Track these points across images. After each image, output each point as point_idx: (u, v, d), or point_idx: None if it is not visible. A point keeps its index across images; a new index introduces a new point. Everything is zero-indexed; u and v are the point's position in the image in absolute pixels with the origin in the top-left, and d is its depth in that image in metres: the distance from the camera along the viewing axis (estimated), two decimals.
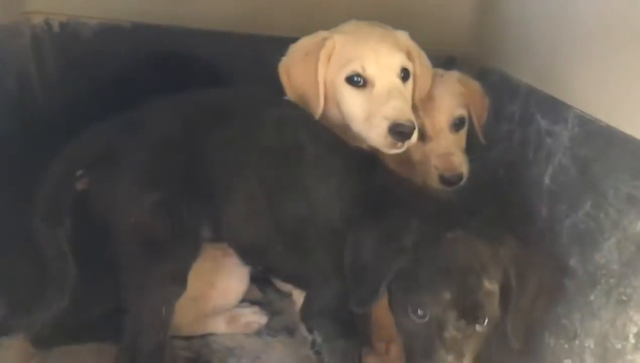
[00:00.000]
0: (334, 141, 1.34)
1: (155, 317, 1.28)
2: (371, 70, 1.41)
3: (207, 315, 1.63)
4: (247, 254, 1.45)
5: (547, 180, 1.33)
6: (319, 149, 1.31)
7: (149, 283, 1.27)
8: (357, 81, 1.42)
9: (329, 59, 1.45)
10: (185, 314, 1.53)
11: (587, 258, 1.16)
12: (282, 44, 1.55)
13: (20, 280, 1.41)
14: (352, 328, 1.32)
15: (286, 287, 1.83)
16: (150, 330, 1.28)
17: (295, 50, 1.50)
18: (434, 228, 1.11)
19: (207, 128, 1.31)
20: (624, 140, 1.10)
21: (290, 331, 1.71)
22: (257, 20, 1.92)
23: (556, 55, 1.40)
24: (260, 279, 1.87)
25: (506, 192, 1.50)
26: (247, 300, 1.76)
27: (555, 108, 1.34)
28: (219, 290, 1.61)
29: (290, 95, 1.48)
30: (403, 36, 1.52)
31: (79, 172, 1.29)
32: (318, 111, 1.45)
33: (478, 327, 1.07)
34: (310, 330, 1.34)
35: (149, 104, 1.36)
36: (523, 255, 1.14)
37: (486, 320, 1.08)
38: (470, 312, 1.06)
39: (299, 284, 1.43)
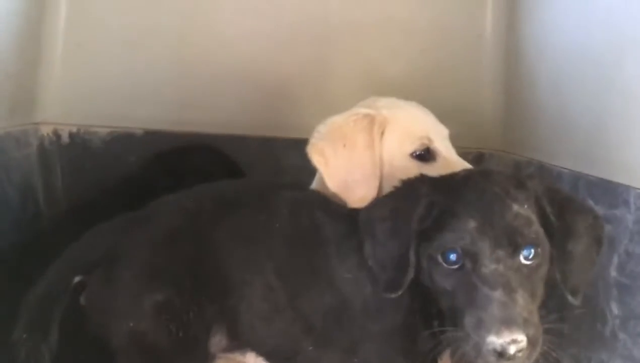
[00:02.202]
0: (353, 217, 1.19)
1: None
2: (437, 142, 1.32)
3: None
4: (273, 359, 1.25)
5: (613, 272, 1.17)
6: (339, 227, 1.18)
7: None
8: (423, 155, 1.31)
9: (382, 136, 1.31)
10: None
11: None
12: (296, 146, 1.46)
13: None
14: None
15: None
16: None
17: (332, 131, 1.32)
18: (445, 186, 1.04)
19: (213, 220, 1.19)
20: None
21: None
22: (270, 123, 1.88)
23: (603, 133, 1.29)
24: None
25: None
26: None
27: (610, 191, 1.21)
28: None
29: (329, 180, 1.29)
30: None
31: (77, 279, 1.15)
32: (372, 194, 1.26)
33: (524, 260, 0.94)
34: None
35: (154, 202, 1.27)
36: (558, 191, 1.04)
37: (532, 252, 0.94)
38: (504, 239, 0.93)
39: None
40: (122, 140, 1.83)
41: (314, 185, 1.43)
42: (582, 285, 1.01)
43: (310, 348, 1.16)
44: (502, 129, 1.84)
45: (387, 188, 1.27)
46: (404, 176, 1.19)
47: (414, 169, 1.27)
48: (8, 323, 1.17)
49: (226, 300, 1.16)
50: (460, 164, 1.30)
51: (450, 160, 1.30)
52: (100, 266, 1.15)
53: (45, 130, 1.79)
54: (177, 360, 1.11)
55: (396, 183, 1.13)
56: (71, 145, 1.82)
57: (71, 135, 1.82)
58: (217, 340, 1.19)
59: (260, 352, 1.25)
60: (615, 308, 1.15)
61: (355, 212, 1.23)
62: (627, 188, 1.16)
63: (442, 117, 1.51)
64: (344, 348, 1.14)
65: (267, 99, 1.89)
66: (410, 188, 1.08)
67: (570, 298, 1.00)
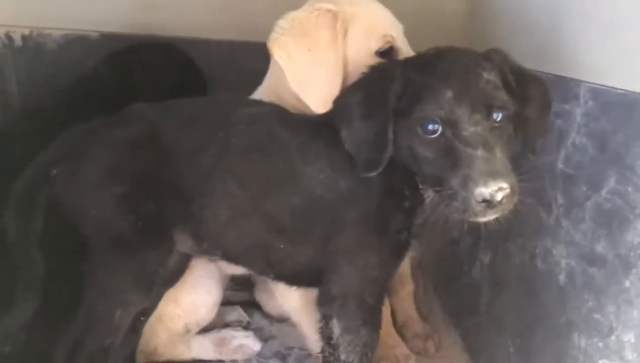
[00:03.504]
0: (309, 121, 1.26)
1: (106, 317, 1.18)
2: (399, 40, 1.33)
3: (183, 336, 1.47)
4: (246, 261, 1.33)
5: (560, 164, 1.21)
6: (299, 134, 1.22)
7: (108, 282, 1.18)
8: (386, 52, 1.31)
9: (345, 33, 1.30)
10: (156, 335, 1.40)
11: (616, 240, 1.03)
12: (259, 50, 1.43)
13: None
14: (377, 315, 1.22)
15: (275, 310, 1.68)
16: (100, 329, 1.18)
17: (294, 26, 1.30)
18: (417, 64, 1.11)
19: (175, 132, 1.24)
20: None
21: (282, 357, 1.57)
22: (233, 27, 1.84)
23: (558, 32, 1.29)
24: (247, 304, 1.74)
25: None
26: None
27: (562, 86, 1.23)
28: (185, 307, 1.46)
29: (290, 77, 1.29)
30: None
31: (54, 172, 1.21)
32: (334, 93, 1.23)
33: (494, 122, 1.04)
34: (328, 318, 1.22)
35: (124, 110, 1.30)
36: (515, 63, 1.14)
37: (500, 114, 1.04)
38: (480, 103, 1.02)
39: (314, 280, 1.26)
40: (78, 43, 1.78)
41: (264, 84, 1.42)
42: (537, 144, 1.14)
43: (282, 246, 1.22)
44: (464, 30, 1.83)
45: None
46: None
47: None
48: None
49: (188, 207, 1.21)
50: None
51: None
52: (67, 160, 1.21)
53: None
54: (140, 246, 1.18)
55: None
56: (24, 48, 1.76)
57: (24, 38, 1.76)
58: (182, 239, 1.25)
59: (231, 256, 1.31)
60: (560, 198, 1.20)
61: (313, 117, 1.26)
62: (578, 82, 1.18)
63: (405, 18, 1.50)
64: (318, 240, 1.21)
65: (230, 1, 1.84)
66: (383, 71, 1.14)
67: (529, 155, 1.14)
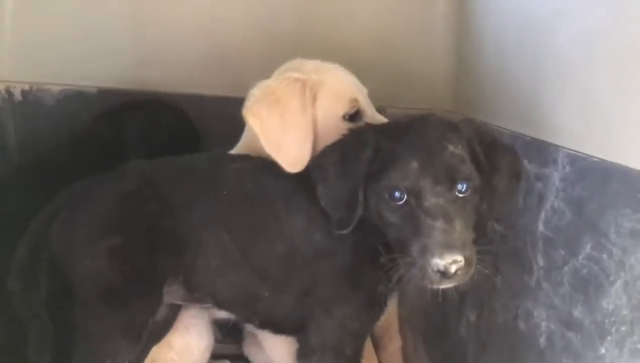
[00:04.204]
0: (297, 176, 1.31)
1: None
2: (363, 103, 1.40)
3: None
4: (234, 308, 1.38)
5: (540, 226, 1.23)
6: (284, 186, 1.29)
7: (98, 332, 1.20)
8: (353, 116, 1.39)
9: (315, 99, 1.37)
10: None
11: (592, 306, 1.04)
12: None
13: None
14: None
15: (261, 360, 1.68)
16: None
17: (266, 94, 1.38)
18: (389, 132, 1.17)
19: (170, 186, 1.30)
20: (621, 172, 1.01)
21: None
22: (225, 83, 1.89)
23: (539, 97, 1.33)
24: (235, 357, 1.75)
25: (498, 244, 1.39)
26: None
27: (542, 150, 1.26)
28: (179, 350, 1.49)
29: (264, 141, 1.35)
30: None
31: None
32: (305, 155, 1.31)
33: (459, 193, 1.08)
34: None
35: (120, 166, 1.36)
36: (485, 133, 1.19)
37: (465, 186, 1.08)
38: (443, 175, 1.07)
39: (295, 330, 1.31)
40: (76, 99, 1.83)
41: (242, 143, 1.49)
42: (502, 213, 1.19)
43: (267, 294, 1.27)
44: (452, 91, 1.88)
45: (321, 148, 1.34)
46: (337, 137, 1.28)
47: (345, 129, 1.34)
48: None
49: (181, 257, 1.25)
50: (381, 121, 1.42)
51: (374, 119, 1.40)
52: (62, 215, 1.24)
53: None
54: (131, 297, 1.21)
55: (330, 141, 1.25)
56: (24, 103, 1.82)
57: (24, 93, 1.82)
58: (174, 289, 1.29)
59: (221, 303, 1.35)
60: (540, 260, 1.22)
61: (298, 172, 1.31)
62: (557, 148, 1.21)
63: (397, 78, 1.55)
64: (298, 290, 1.26)
65: (222, 59, 1.90)
66: (359, 136, 1.20)
67: (495, 225, 1.17)
